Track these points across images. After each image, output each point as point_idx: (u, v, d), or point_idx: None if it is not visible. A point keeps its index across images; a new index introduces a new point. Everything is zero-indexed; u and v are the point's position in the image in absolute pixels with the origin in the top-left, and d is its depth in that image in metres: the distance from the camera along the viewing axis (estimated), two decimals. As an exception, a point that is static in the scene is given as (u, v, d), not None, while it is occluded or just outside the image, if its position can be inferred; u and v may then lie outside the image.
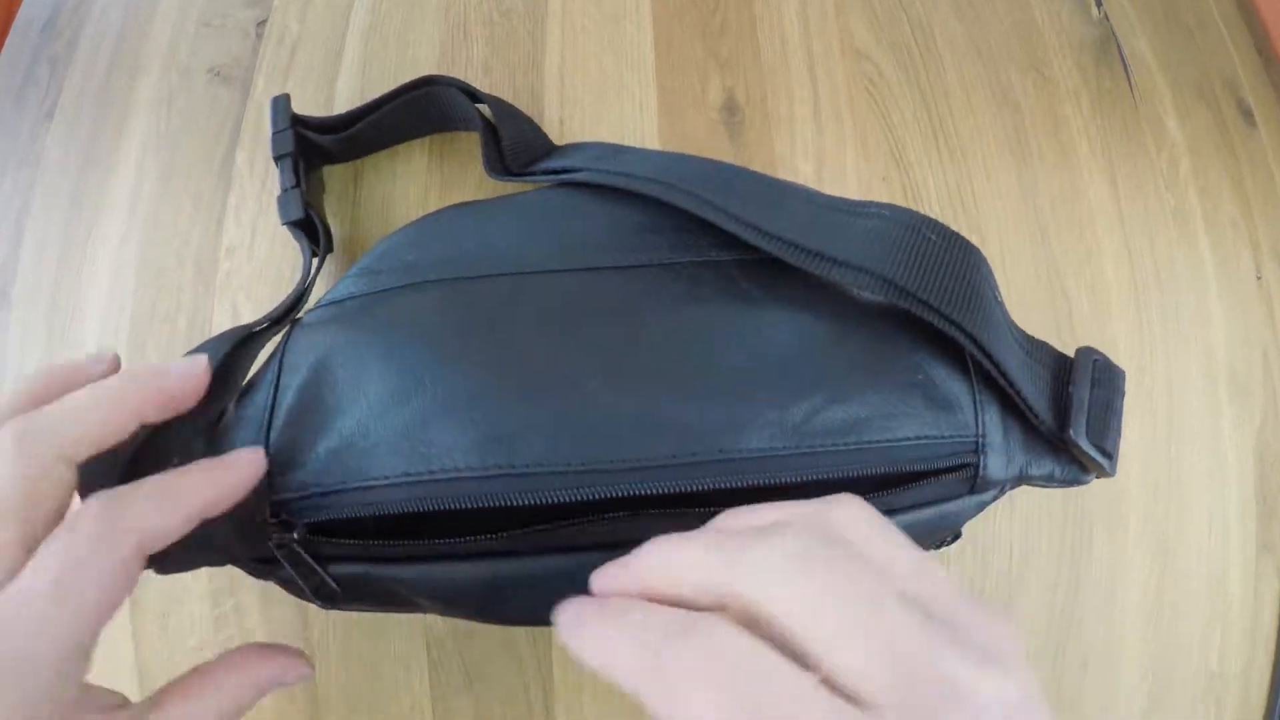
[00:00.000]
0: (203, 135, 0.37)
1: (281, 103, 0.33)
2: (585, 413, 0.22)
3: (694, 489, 0.22)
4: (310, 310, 0.28)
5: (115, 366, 0.22)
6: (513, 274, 0.26)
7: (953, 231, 0.25)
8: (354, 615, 0.32)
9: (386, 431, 0.23)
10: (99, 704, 0.20)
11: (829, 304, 0.25)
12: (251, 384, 0.25)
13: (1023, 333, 0.26)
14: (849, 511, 0.17)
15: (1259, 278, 0.38)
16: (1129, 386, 0.34)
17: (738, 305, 0.25)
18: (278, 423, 0.24)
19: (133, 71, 0.40)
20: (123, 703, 0.21)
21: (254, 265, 0.35)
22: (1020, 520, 0.33)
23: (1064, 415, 0.24)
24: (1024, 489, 0.33)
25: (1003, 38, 0.39)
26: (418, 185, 0.35)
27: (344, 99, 0.37)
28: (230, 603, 0.33)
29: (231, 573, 0.34)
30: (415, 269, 0.27)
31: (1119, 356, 0.35)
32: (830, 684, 0.15)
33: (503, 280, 0.26)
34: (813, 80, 0.36)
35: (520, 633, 0.32)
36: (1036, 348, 0.26)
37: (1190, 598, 0.35)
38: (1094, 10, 0.41)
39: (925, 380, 0.24)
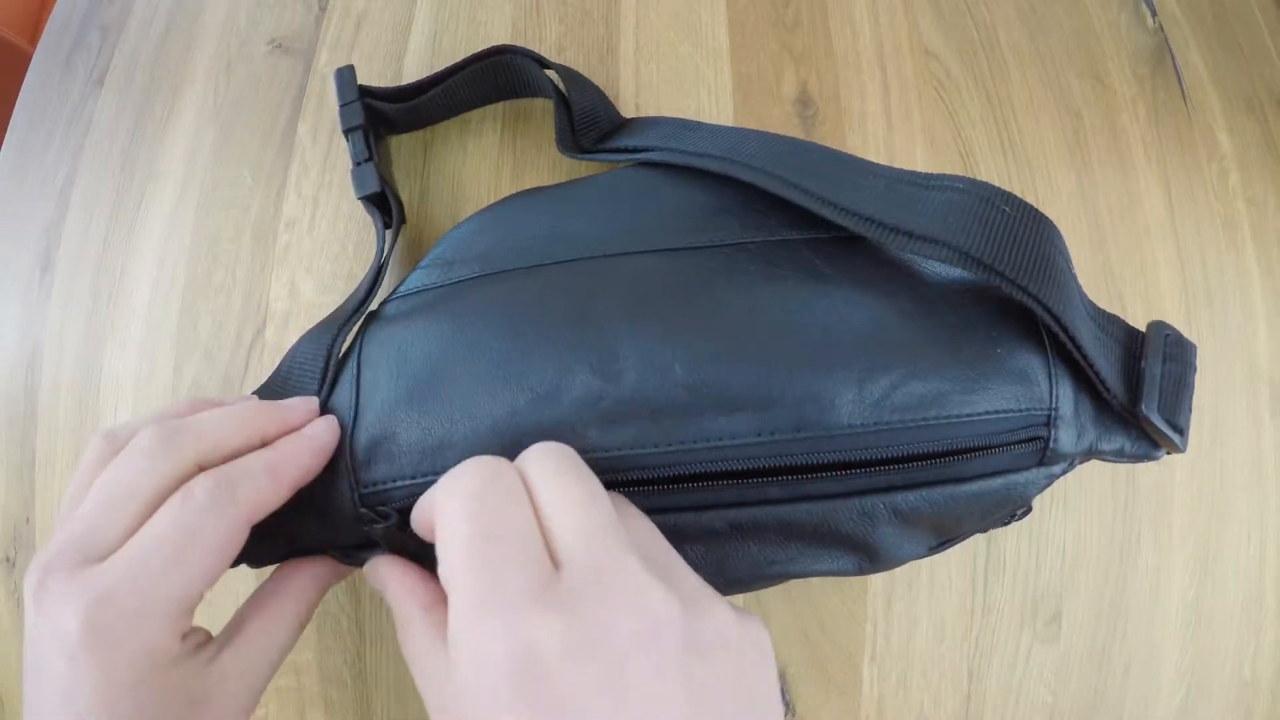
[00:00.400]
0: (263, 106, 0.37)
1: (346, 74, 0.32)
2: (670, 396, 0.23)
3: (776, 464, 0.22)
4: (385, 303, 0.28)
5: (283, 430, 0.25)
6: (588, 258, 0.26)
7: (1026, 203, 0.25)
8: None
9: (474, 423, 0.23)
10: (189, 644, 0.21)
11: (902, 280, 0.25)
12: (333, 379, 0.26)
13: (1094, 305, 0.26)
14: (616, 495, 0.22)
15: (1303, 291, 0.38)
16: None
17: (812, 284, 0.25)
18: (363, 418, 0.24)
19: (188, 40, 0.39)
20: (206, 638, 0.22)
21: (315, 239, 0.35)
22: (1074, 522, 0.34)
23: (1136, 390, 0.24)
24: (1082, 481, 0.34)
25: (1064, 43, 0.39)
26: (489, 163, 0.35)
27: (412, 75, 0.36)
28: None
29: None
30: (489, 259, 0.27)
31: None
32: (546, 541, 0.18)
33: (578, 265, 0.26)
34: (884, 77, 0.36)
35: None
36: (1108, 321, 0.26)
37: (1227, 606, 0.35)
38: (1149, 20, 0.41)
39: (1002, 354, 0.24)
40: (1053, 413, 0.24)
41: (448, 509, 0.19)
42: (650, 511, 0.23)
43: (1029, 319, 0.24)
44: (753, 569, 0.25)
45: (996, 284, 0.23)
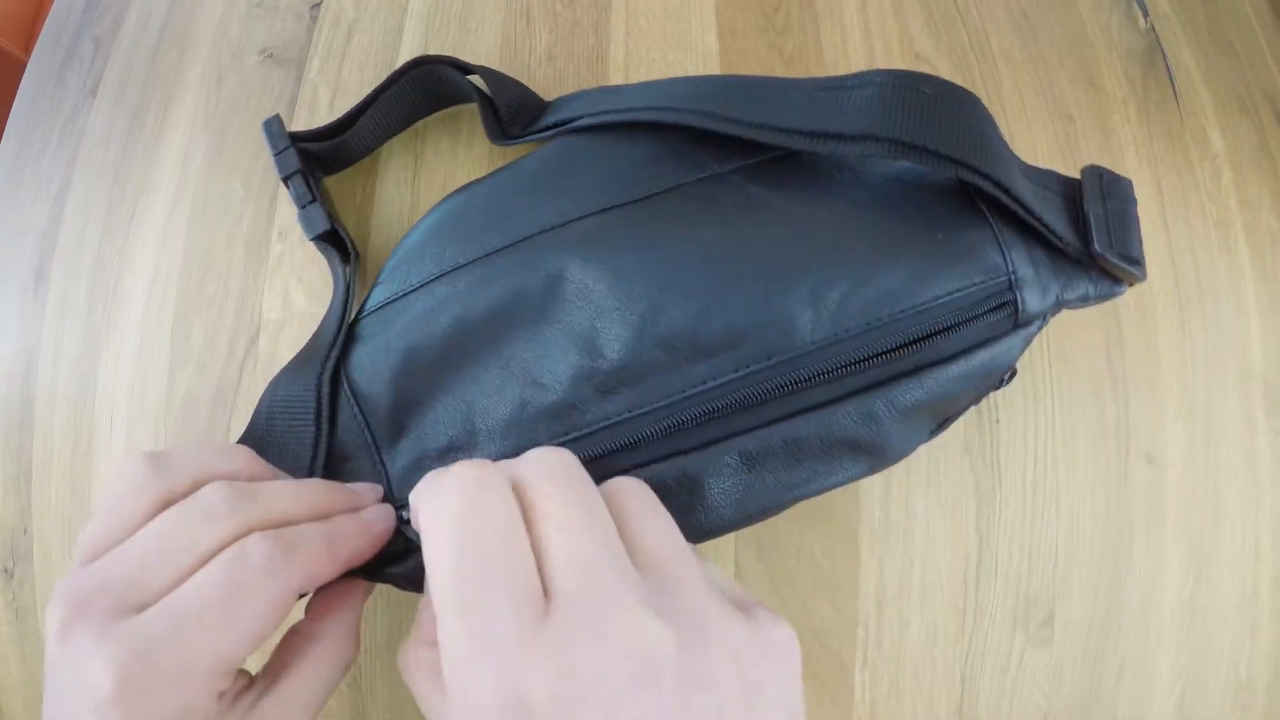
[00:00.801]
0: (255, 116, 0.37)
1: (274, 125, 0.32)
2: (641, 356, 0.24)
3: (758, 394, 0.23)
4: (355, 323, 0.28)
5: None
6: (534, 235, 0.27)
7: (946, 81, 0.25)
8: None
9: (487, 422, 0.24)
10: (226, 700, 0.20)
11: (837, 190, 0.26)
12: (330, 415, 0.27)
13: (1027, 165, 0.27)
14: (630, 481, 0.20)
15: (1297, 291, 0.38)
16: (1173, 400, 0.35)
17: (751, 212, 0.26)
18: (381, 439, 0.26)
19: (180, 51, 0.39)
20: (246, 683, 0.22)
21: (307, 249, 0.35)
22: (1066, 523, 0.34)
23: (1085, 233, 0.25)
24: (1075, 483, 0.34)
25: (1055, 46, 0.39)
26: (481, 172, 0.34)
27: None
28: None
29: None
30: (440, 259, 0.27)
31: (1161, 367, 0.36)
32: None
33: (524, 245, 0.27)
34: (874, 82, 0.36)
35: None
36: (1043, 176, 0.27)
37: (1222, 606, 0.35)
38: (1141, 21, 0.41)
39: (944, 238, 0.24)
40: (1012, 276, 0.24)
41: (432, 532, 0.18)
42: (660, 460, 0.23)
43: (965, 198, 0.25)
44: (772, 497, 0.25)
45: (931, 164, 0.23)
